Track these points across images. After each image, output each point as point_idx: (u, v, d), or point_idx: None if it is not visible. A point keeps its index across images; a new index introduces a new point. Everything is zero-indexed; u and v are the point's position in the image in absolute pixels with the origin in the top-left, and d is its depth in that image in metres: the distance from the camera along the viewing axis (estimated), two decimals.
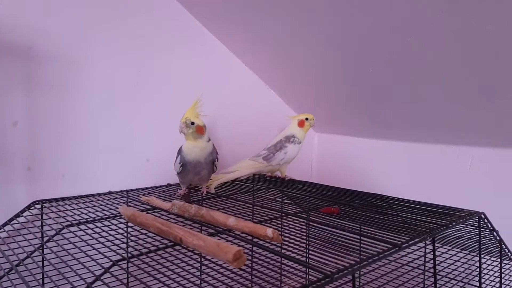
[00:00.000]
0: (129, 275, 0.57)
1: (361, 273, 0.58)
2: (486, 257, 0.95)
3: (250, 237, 0.65)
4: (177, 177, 1.00)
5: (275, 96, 1.43)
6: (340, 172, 1.47)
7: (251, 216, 0.91)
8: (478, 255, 0.87)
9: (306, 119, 1.19)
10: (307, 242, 0.99)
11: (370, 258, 0.56)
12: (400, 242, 0.62)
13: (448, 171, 1.17)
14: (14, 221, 0.85)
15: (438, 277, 0.80)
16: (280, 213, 0.85)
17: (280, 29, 1.09)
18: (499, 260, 0.94)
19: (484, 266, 0.90)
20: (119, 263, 0.59)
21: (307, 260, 1.06)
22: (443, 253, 0.81)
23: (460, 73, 0.91)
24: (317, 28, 1.01)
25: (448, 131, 1.13)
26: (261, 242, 0.63)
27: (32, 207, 0.89)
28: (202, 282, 0.56)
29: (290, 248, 0.67)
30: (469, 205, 0.92)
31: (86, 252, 0.65)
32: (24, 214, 0.87)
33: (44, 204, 0.90)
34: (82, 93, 1.01)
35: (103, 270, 0.57)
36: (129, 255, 0.62)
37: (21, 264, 0.67)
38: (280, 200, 1.12)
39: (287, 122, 1.23)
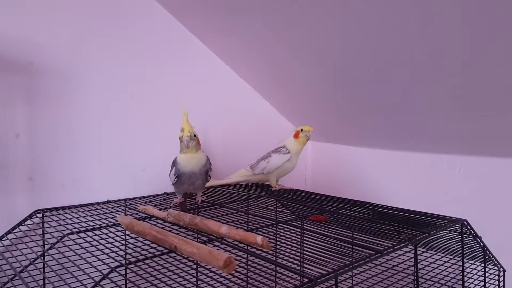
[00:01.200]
0: (127, 281, 0.60)
1: (353, 274, 0.62)
2: (470, 261, 0.98)
3: (245, 246, 0.69)
4: (173, 187, 1.04)
5: (269, 106, 1.48)
6: (333, 180, 1.51)
7: (245, 224, 0.95)
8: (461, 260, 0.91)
9: (301, 130, 1.18)
10: (301, 249, 1.02)
11: (353, 263, 0.60)
12: (382, 249, 0.66)
13: (436, 179, 1.21)
14: (17, 230, 0.89)
15: (422, 280, 0.84)
16: (274, 221, 0.89)
17: (272, 41, 1.13)
18: (483, 265, 0.98)
19: (468, 270, 0.94)
20: (117, 269, 0.62)
21: (302, 266, 1.09)
22: (428, 257, 0.85)
23: (444, 87, 0.95)
24: (308, 40, 1.05)
25: (437, 140, 1.16)
26: (255, 251, 0.66)
27: (34, 216, 0.92)
28: None
29: (284, 254, 0.71)
30: (457, 212, 0.96)
31: (86, 259, 0.68)
32: (26, 222, 0.91)
33: (45, 213, 0.94)
34: (80, 106, 1.05)
35: (102, 276, 0.61)
36: (127, 261, 0.66)
37: (24, 271, 0.70)
38: (274, 208, 1.15)
39: (282, 131, 1.27)
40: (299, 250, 1.05)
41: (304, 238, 1.01)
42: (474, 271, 0.98)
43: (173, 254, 0.66)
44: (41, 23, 0.99)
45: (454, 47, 0.82)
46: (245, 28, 1.12)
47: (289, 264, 0.64)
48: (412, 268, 0.96)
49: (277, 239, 0.94)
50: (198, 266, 0.99)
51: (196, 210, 1.00)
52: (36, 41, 0.98)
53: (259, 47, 1.19)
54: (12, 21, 0.95)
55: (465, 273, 0.91)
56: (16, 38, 0.95)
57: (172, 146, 1.07)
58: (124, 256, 0.70)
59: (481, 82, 0.88)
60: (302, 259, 1.04)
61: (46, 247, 0.79)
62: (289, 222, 0.87)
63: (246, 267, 0.69)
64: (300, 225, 0.90)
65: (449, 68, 0.89)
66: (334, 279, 0.55)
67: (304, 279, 0.54)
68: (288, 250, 0.76)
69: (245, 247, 0.68)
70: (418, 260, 1.00)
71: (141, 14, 1.16)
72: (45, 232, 0.89)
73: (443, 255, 0.90)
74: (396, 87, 1.05)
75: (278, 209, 1.14)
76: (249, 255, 0.65)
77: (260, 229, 0.85)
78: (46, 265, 0.73)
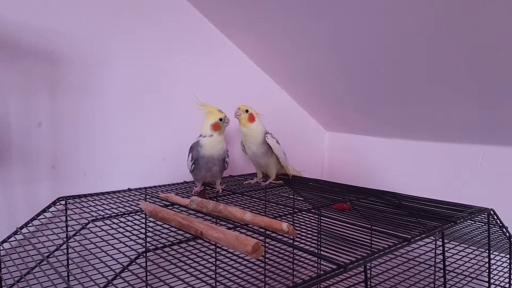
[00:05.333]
0: (153, 264, 0.61)
1: (372, 265, 0.61)
2: (495, 253, 0.96)
3: (263, 230, 0.69)
4: (191, 175, 1.04)
5: (287, 96, 1.46)
6: (351, 170, 1.49)
7: (263, 212, 0.94)
8: (487, 251, 0.89)
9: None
10: (319, 237, 1.02)
11: (381, 251, 0.59)
12: (410, 236, 0.64)
13: (458, 169, 1.19)
14: (41, 216, 0.90)
15: (446, 271, 0.82)
16: (292, 209, 0.89)
17: (290, 32, 1.11)
18: (508, 256, 0.96)
19: (492, 262, 0.92)
20: (141, 256, 0.63)
21: (319, 253, 1.09)
22: (450, 248, 0.83)
23: (468, 73, 0.93)
24: (326, 30, 1.03)
25: (458, 129, 1.14)
26: (273, 235, 0.66)
27: (57, 203, 0.94)
28: (217, 275, 0.59)
29: (302, 242, 0.70)
30: (480, 203, 0.94)
31: (111, 244, 0.69)
32: (50, 209, 0.92)
33: (68, 200, 0.95)
34: (100, 95, 1.06)
35: (128, 260, 0.61)
36: (151, 247, 0.66)
37: (52, 255, 0.71)
38: (292, 197, 1.15)
39: (299, 120, 1.25)
40: (316, 239, 1.04)
41: (323, 226, 1.01)
42: (499, 263, 0.96)
43: (192, 242, 0.67)
44: (62, 12, 0.99)
45: (475, 32, 0.80)
46: (264, 18, 1.11)
47: (304, 255, 0.63)
48: (433, 260, 0.95)
49: (295, 227, 0.94)
50: (217, 254, 0.99)
51: (214, 199, 1.00)
52: (57, 30, 0.98)
53: (278, 37, 1.17)
54: (32, 9, 0.95)
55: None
56: (37, 26, 0.95)
57: (192, 136, 1.07)
58: (144, 243, 0.71)
59: (503, 69, 0.86)
60: (319, 246, 1.04)
61: (71, 233, 0.80)
62: (311, 210, 0.87)
63: (263, 254, 0.68)
64: (318, 213, 0.89)
65: (471, 55, 0.86)
66: (363, 266, 0.54)
67: (324, 264, 0.54)
68: (308, 238, 0.75)
69: (264, 231, 0.67)
70: (439, 252, 0.98)
71: (164, 6, 1.15)
72: (68, 219, 0.90)
73: (466, 246, 0.89)
74: (415, 75, 1.03)
75: (295, 198, 1.14)
76: (266, 243, 0.64)
77: (278, 218, 0.85)
78: (73, 250, 0.74)
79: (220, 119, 1.02)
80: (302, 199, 1.18)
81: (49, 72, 0.98)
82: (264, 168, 1.17)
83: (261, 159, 1.14)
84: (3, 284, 0.82)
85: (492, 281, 0.91)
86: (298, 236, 0.71)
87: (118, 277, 0.58)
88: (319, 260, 0.55)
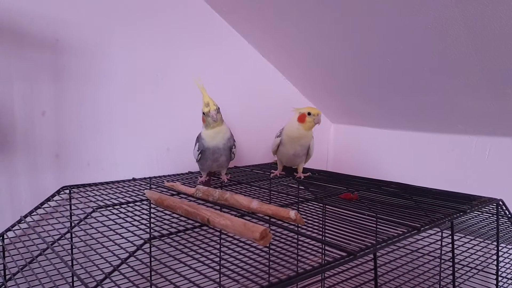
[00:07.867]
0: (158, 251, 0.60)
1: (378, 255, 0.60)
2: (503, 244, 0.95)
3: (267, 218, 0.68)
4: (197, 165, 1.04)
5: (291, 86, 1.45)
6: (356, 162, 1.48)
7: (268, 203, 0.93)
8: (494, 242, 0.88)
9: (309, 113, 0.99)
10: (323, 226, 1.01)
11: (390, 239, 0.58)
12: (419, 225, 0.63)
13: (466, 161, 1.17)
14: (46, 205, 0.89)
15: (450, 264, 0.81)
16: (296, 199, 0.88)
17: (296, 22, 1.10)
18: None
19: (500, 253, 0.91)
20: (147, 243, 0.62)
21: (323, 241, 1.08)
22: (457, 239, 0.82)
23: (477, 63, 0.91)
24: (333, 20, 1.02)
25: (466, 121, 1.13)
26: (279, 222, 0.65)
27: (62, 192, 0.93)
28: (221, 260, 0.58)
29: (306, 229, 0.69)
30: (487, 195, 0.93)
31: (116, 231, 0.68)
32: (54, 198, 0.92)
33: (73, 190, 0.95)
34: (105, 84, 1.05)
35: (133, 248, 0.60)
36: (158, 235, 0.65)
37: (56, 243, 0.71)
38: (296, 186, 1.14)
39: None
40: (321, 228, 1.04)
41: (328, 216, 1.00)
42: (506, 255, 0.95)
43: (197, 230, 0.66)
44: (67, 1, 0.98)
45: (487, 21, 0.78)
46: (270, 7, 1.09)
47: (311, 243, 0.62)
48: (442, 249, 0.94)
49: (301, 216, 0.93)
50: (222, 240, 0.98)
51: (221, 188, 0.99)
52: (62, 18, 0.97)
53: (284, 27, 1.16)
54: None
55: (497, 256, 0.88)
56: (42, 14, 0.94)
57: (196, 126, 1.06)
58: (149, 231, 0.70)
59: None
60: (323, 234, 1.03)
61: (75, 221, 0.79)
62: (316, 199, 0.86)
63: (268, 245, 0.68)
64: (323, 203, 0.88)
65: (482, 44, 0.85)
66: (373, 254, 0.53)
67: (329, 252, 0.53)
68: (313, 227, 0.74)
69: (268, 219, 0.67)
70: (444, 243, 0.97)
71: None
72: (72, 208, 0.90)
73: (473, 237, 0.88)
74: (423, 65, 1.01)
75: (300, 188, 1.13)
76: (271, 230, 0.63)
77: (285, 207, 0.84)
78: (78, 239, 0.73)
79: (203, 113, 0.95)
80: (306, 189, 1.18)
81: (54, 61, 0.97)
82: (294, 164, 1.14)
83: (300, 158, 1.10)
84: (7, 272, 0.81)
85: (499, 273, 0.90)
86: (303, 225, 0.70)
87: (123, 264, 0.57)
88: (323, 246, 0.54)
